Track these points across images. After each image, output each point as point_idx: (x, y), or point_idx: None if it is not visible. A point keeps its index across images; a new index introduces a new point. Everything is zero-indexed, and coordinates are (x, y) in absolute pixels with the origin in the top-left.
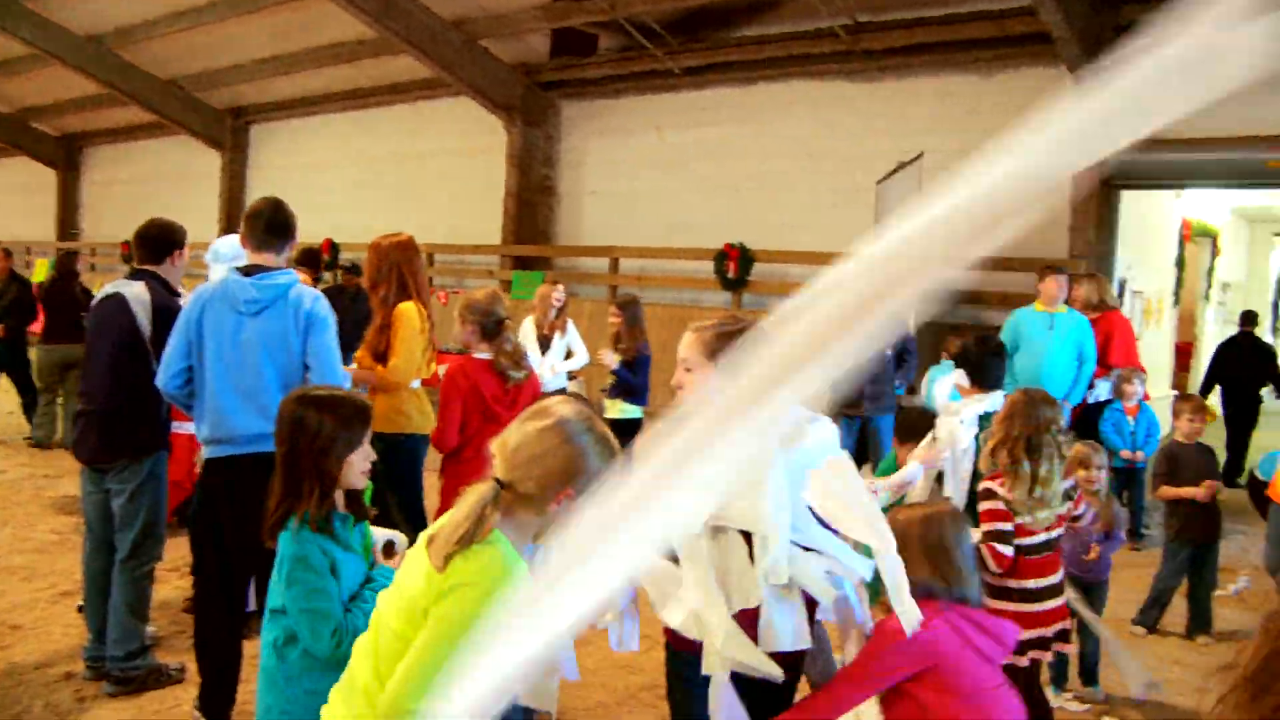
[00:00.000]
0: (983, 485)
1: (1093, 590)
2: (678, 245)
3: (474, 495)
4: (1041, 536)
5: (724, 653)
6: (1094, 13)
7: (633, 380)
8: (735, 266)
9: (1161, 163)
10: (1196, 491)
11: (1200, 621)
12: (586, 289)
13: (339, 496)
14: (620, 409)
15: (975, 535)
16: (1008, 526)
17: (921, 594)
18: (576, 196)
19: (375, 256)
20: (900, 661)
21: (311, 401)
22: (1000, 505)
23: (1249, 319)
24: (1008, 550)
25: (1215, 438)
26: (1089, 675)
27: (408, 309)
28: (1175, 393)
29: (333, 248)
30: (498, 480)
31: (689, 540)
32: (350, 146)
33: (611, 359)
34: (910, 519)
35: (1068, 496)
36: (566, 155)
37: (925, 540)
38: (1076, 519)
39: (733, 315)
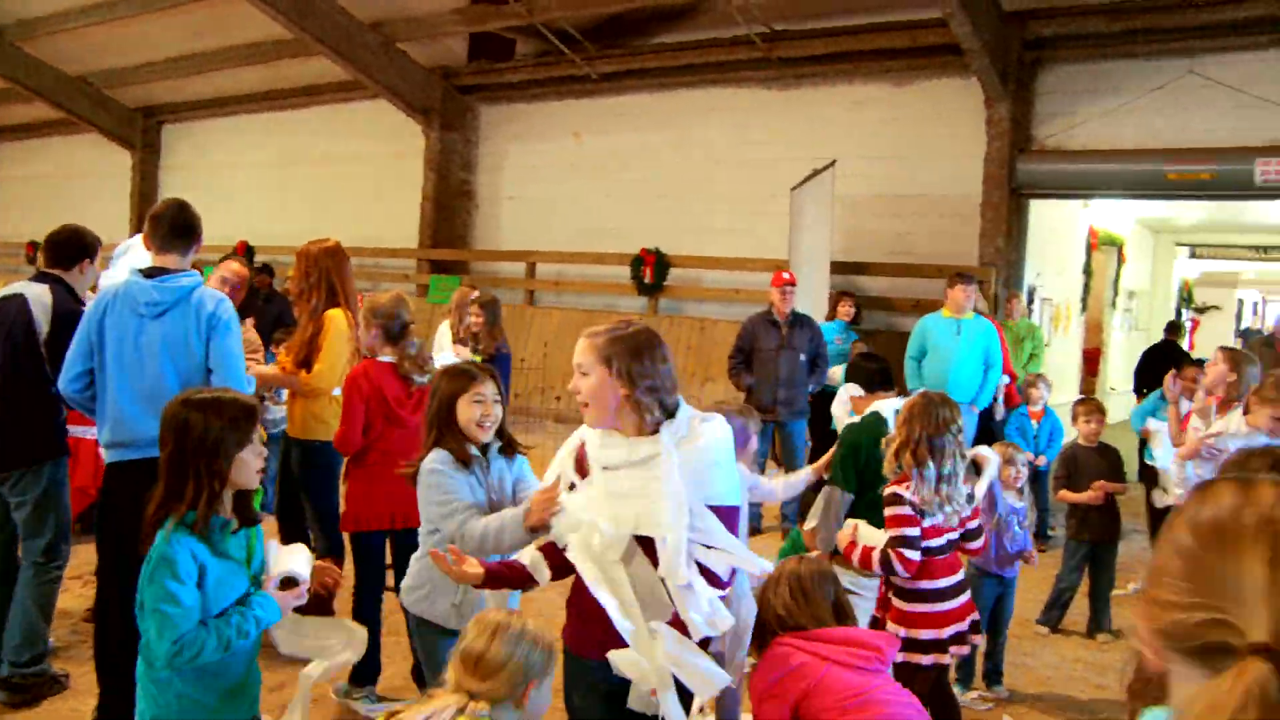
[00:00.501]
0: (888, 490)
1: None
2: (595, 250)
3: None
4: (947, 537)
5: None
6: (1003, 26)
7: None
8: (651, 271)
9: (1068, 173)
10: (1092, 495)
11: (1100, 620)
12: (503, 294)
13: (228, 499)
14: None
15: (881, 539)
16: (914, 532)
17: (780, 629)
18: (494, 201)
19: (304, 264)
20: (778, 710)
21: (196, 404)
22: (907, 510)
23: (1174, 328)
24: (915, 555)
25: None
26: (994, 675)
27: (336, 316)
28: (1080, 397)
29: (248, 250)
30: (469, 693)
31: (599, 565)
32: (266, 148)
33: (465, 356)
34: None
35: (970, 499)
36: (484, 159)
37: (796, 587)
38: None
39: (625, 320)
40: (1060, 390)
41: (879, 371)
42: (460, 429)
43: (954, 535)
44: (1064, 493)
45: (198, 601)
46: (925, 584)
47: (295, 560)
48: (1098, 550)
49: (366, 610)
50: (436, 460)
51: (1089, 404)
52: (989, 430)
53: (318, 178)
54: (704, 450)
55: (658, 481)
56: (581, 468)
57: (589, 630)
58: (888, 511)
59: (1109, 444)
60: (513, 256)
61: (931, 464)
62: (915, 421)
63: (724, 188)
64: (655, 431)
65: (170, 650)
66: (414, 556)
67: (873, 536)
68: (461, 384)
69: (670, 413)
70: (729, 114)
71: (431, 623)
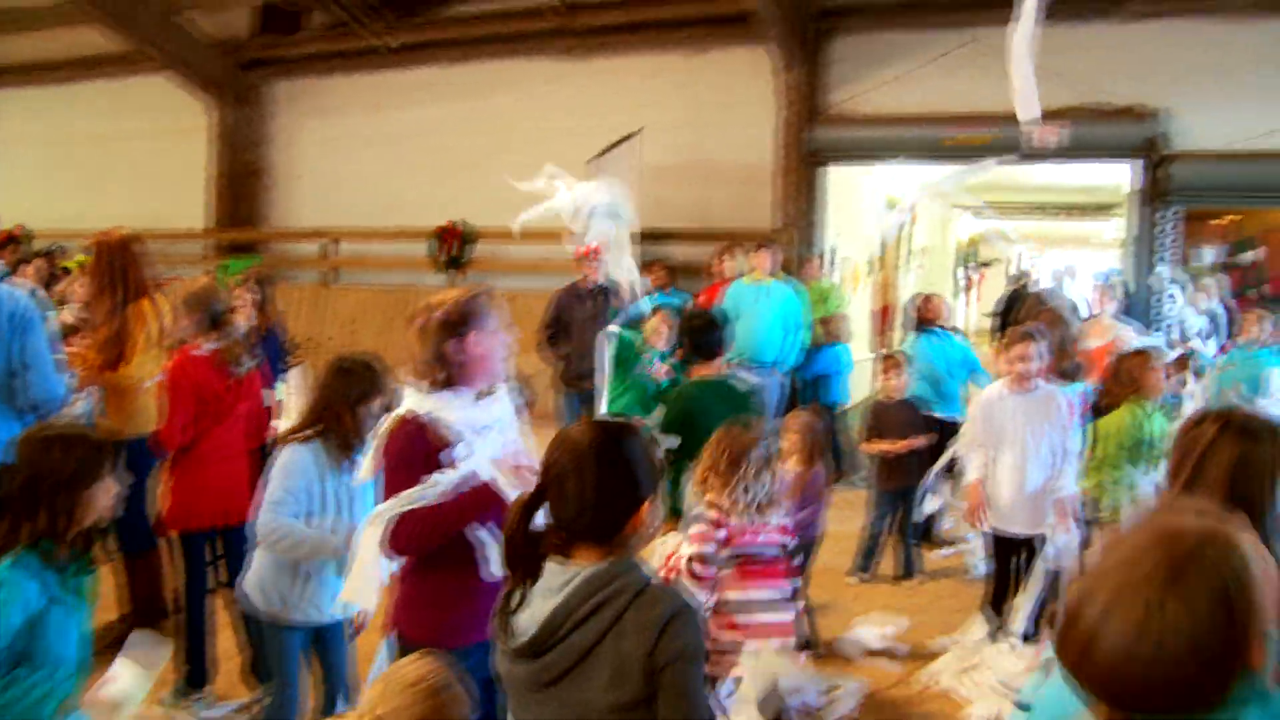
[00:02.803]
0: (695, 510)
1: (807, 549)
2: (395, 226)
3: None
4: (760, 546)
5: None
6: None
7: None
8: (454, 246)
9: (858, 139)
10: (895, 446)
11: (909, 566)
12: (301, 274)
13: (78, 536)
14: None
15: (687, 551)
16: (709, 549)
17: None
18: (289, 179)
19: (100, 261)
20: None
21: (42, 442)
22: (706, 528)
23: (1020, 278)
24: (709, 571)
25: None
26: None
27: (144, 308)
28: (883, 351)
29: (24, 235)
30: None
31: None
32: (38, 125)
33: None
34: None
35: (786, 513)
36: (278, 136)
37: None
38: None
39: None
40: (855, 348)
41: (717, 339)
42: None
43: (769, 548)
44: (870, 444)
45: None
46: (733, 595)
47: (128, 684)
48: (902, 497)
49: (193, 610)
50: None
51: (892, 360)
52: (795, 390)
53: (96, 157)
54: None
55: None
56: (425, 442)
57: (445, 616)
58: (690, 531)
59: (909, 398)
60: (310, 235)
61: (740, 486)
62: (720, 445)
63: (526, 159)
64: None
65: None
66: (257, 550)
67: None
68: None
69: None
70: (528, 84)
71: (275, 617)
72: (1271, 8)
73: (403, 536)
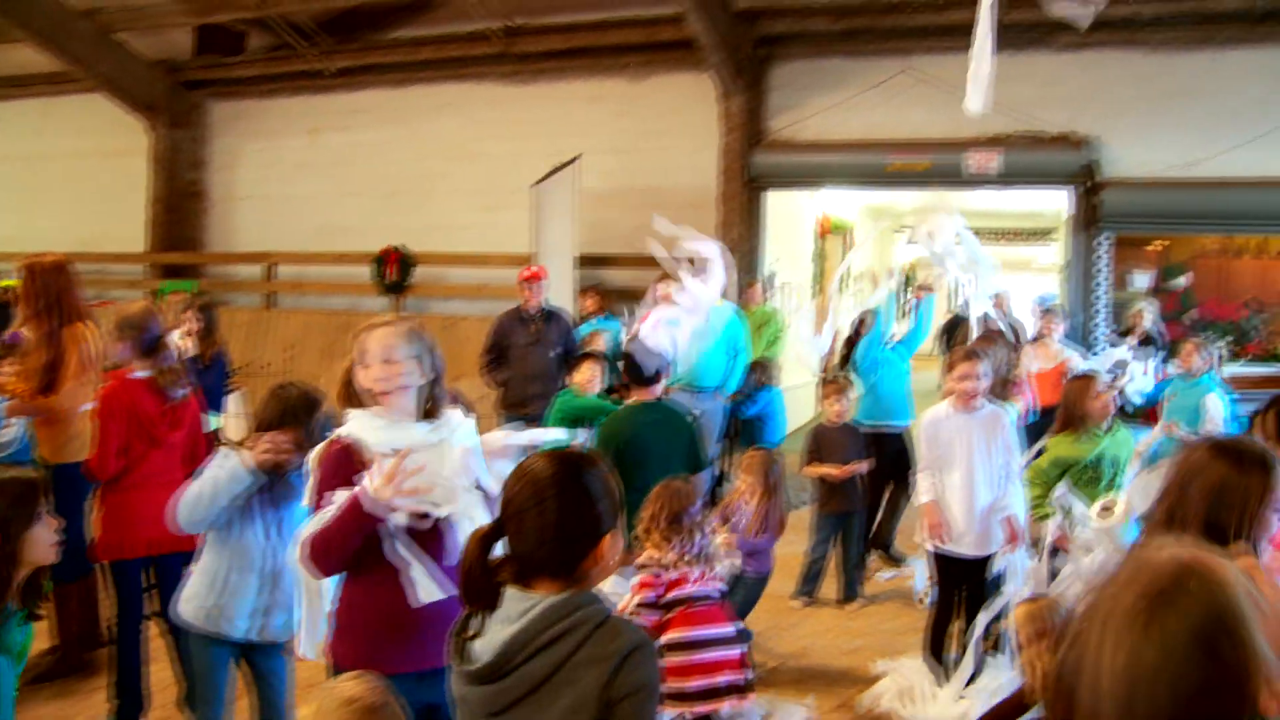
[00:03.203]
0: (637, 562)
1: (757, 582)
2: (335, 250)
3: None
4: (702, 589)
5: None
6: (735, 23)
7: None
8: (395, 270)
9: (799, 164)
10: (841, 471)
11: (850, 589)
12: (241, 297)
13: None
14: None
15: (633, 601)
16: (651, 596)
17: None
18: (228, 201)
19: (33, 286)
20: None
21: None
22: (649, 575)
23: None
24: (653, 616)
25: None
26: None
27: (79, 331)
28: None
29: None
30: None
31: None
32: None
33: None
34: None
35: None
36: (217, 158)
37: None
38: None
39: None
40: (797, 372)
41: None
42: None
43: (708, 590)
44: (811, 468)
45: None
46: (676, 635)
47: None
48: (844, 521)
49: (127, 640)
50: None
51: (834, 385)
52: (738, 415)
53: (28, 177)
54: (470, 436)
55: (444, 463)
56: (350, 464)
57: (375, 645)
58: (633, 581)
59: (852, 423)
60: (249, 259)
61: (675, 540)
62: (657, 502)
63: (466, 183)
64: (436, 417)
65: None
66: (198, 567)
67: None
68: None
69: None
70: (469, 109)
71: (200, 629)
72: (1196, 43)
73: (309, 555)
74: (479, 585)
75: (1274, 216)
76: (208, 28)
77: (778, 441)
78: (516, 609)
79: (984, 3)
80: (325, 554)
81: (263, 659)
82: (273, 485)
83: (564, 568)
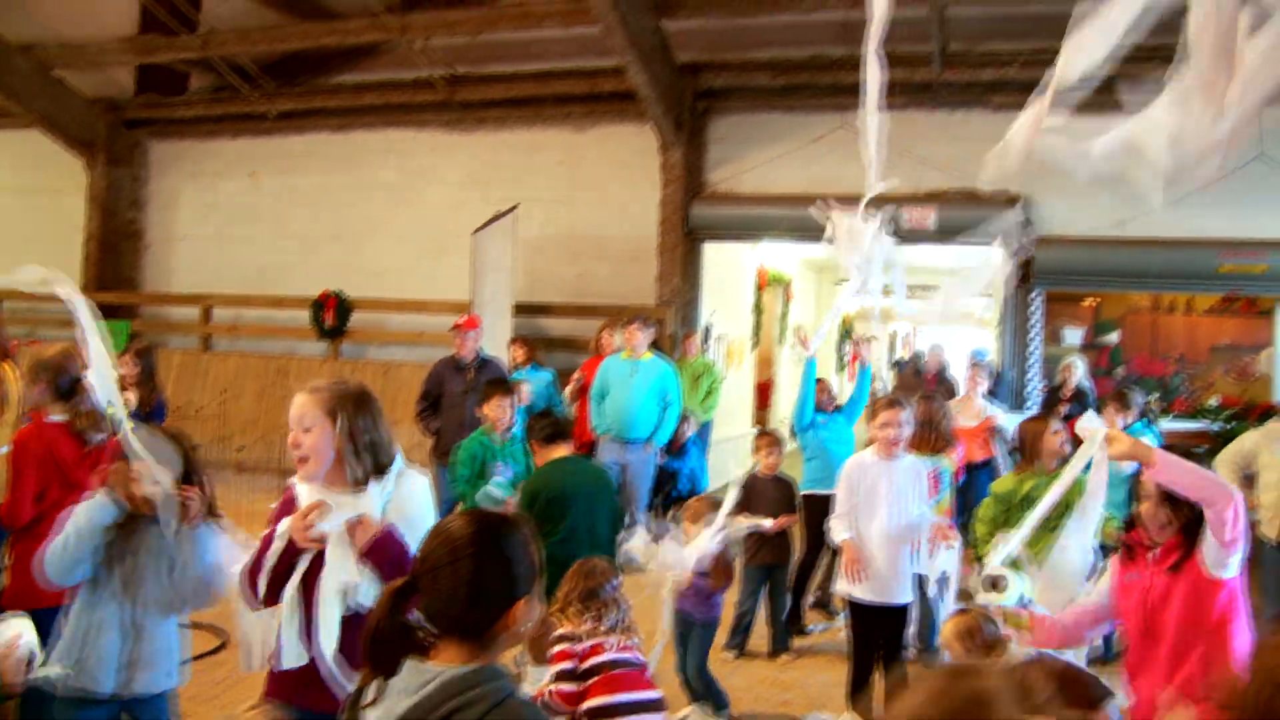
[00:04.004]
0: (553, 635)
1: (707, 627)
2: (273, 293)
3: None
4: (617, 656)
5: None
6: (676, 76)
7: None
8: (333, 315)
9: (738, 217)
10: (768, 523)
11: (780, 641)
12: (176, 339)
13: None
14: None
15: (545, 678)
16: (569, 665)
17: None
18: (166, 241)
19: None
20: None
21: None
22: (566, 647)
23: (916, 358)
24: (571, 687)
25: None
26: None
27: (4, 371)
28: (757, 429)
29: None
30: None
31: None
32: None
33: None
34: None
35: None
36: (155, 197)
37: None
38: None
39: (342, 378)
40: (734, 423)
41: (553, 425)
42: None
43: (628, 658)
44: (741, 517)
45: None
46: (600, 701)
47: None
48: (773, 573)
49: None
50: None
51: (768, 437)
52: (668, 467)
53: None
54: (408, 503)
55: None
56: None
57: (308, 682)
58: (550, 653)
59: (783, 475)
60: (186, 301)
61: (588, 615)
62: (573, 579)
63: (406, 230)
64: (364, 484)
65: None
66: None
67: None
68: None
69: (383, 468)
70: (410, 156)
71: (80, 693)
72: (1125, 106)
73: (240, 584)
74: (384, 644)
75: (1198, 275)
76: (149, 66)
77: (699, 491)
78: (415, 681)
79: (870, 62)
80: (245, 590)
81: (146, 714)
82: (134, 529)
83: (473, 631)
